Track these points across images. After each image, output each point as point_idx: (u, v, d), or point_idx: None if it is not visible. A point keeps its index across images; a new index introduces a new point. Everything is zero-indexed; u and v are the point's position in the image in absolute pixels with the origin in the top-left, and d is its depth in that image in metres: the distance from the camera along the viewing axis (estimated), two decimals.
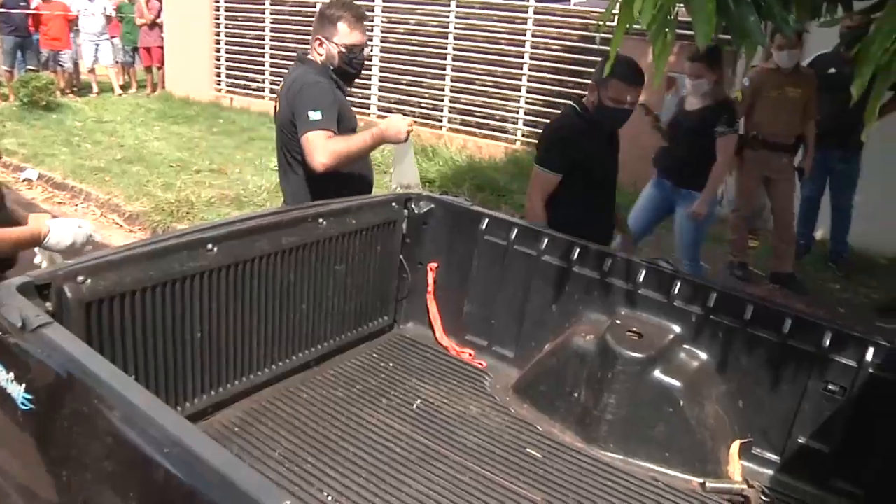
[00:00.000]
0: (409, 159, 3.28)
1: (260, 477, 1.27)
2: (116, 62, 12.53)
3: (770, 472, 2.54)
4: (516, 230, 2.95)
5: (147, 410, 1.42)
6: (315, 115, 2.93)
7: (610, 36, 3.95)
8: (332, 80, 3.13)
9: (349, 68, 3.18)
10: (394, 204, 3.04)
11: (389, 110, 9.65)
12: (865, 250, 6.10)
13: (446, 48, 9.13)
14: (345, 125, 3.11)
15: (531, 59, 8.58)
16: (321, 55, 3.16)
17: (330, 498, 2.17)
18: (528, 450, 2.52)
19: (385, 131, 3.05)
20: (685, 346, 2.63)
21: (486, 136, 8.97)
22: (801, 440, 2.49)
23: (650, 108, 4.86)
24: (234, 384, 2.54)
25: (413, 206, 3.10)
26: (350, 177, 3.14)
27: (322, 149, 2.90)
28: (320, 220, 2.71)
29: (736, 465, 2.53)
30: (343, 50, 3.12)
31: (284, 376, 2.72)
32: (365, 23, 3.23)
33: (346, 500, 2.17)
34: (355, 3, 3.22)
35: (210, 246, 2.33)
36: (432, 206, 3.12)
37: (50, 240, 2.38)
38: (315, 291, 2.77)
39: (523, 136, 8.70)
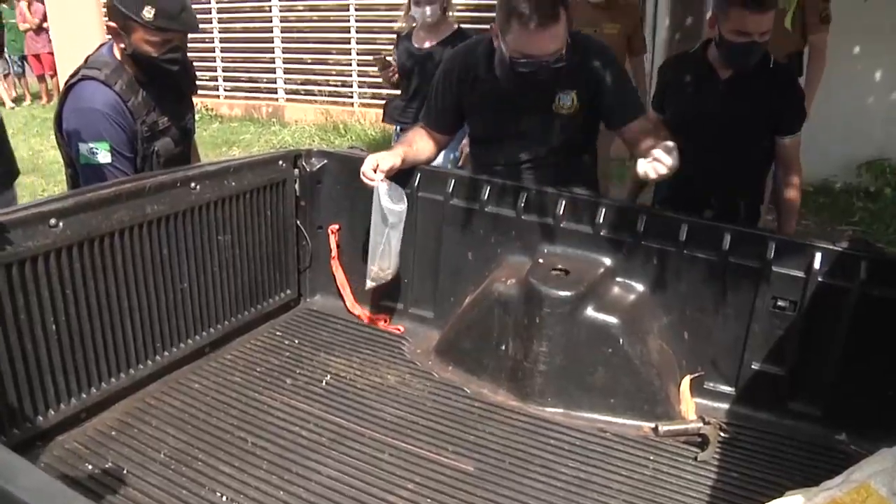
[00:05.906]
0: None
1: (48, 479, 0.92)
2: (5, 75, 11.78)
3: (725, 405, 2.29)
4: (419, 175, 2.63)
5: None
6: None
7: None
8: None
9: None
10: (280, 162, 2.68)
11: (297, 92, 9.22)
12: None
13: (349, 21, 8.72)
14: None
15: None
16: None
17: (225, 499, 1.83)
18: (456, 415, 2.22)
19: None
20: (618, 278, 2.36)
21: None
22: (754, 366, 2.25)
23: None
24: (109, 382, 2.18)
25: (304, 163, 2.75)
26: None
27: None
28: (192, 184, 2.34)
29: (688, 404, 2.28)
30: None
31: (172, 367, 2.37)
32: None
33: (245, 497, 1.84)
34: None
35: (53, 221, 1.95)
36: (325, 161, 2.77)
37: None
38: (197, 267, 2.41)
39: None
